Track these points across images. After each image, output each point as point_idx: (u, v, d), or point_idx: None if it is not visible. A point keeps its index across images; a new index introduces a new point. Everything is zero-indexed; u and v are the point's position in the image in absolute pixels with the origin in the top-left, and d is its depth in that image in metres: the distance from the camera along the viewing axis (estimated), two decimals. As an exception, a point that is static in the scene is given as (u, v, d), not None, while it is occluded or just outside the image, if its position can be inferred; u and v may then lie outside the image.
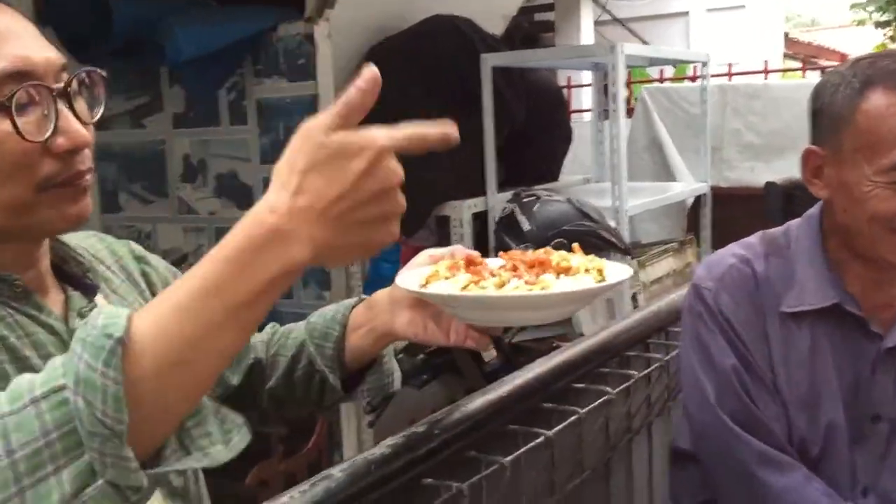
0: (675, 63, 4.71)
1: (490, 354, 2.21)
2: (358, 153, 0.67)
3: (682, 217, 4.02)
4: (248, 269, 0.66)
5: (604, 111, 3.66)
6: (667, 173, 4.01)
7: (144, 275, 1.06)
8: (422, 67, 3.01)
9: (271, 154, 3.16)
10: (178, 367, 0.65)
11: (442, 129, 0.73)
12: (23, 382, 0.65)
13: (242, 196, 3.21)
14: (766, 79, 4.61)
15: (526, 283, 0.81)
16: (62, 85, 0.84)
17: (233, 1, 3.18)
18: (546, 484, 1.29)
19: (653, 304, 1.78)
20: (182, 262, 3.43)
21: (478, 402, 1.17)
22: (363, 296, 1.09)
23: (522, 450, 1.13)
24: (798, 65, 8.91)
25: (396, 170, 0.69)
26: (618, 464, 1.56)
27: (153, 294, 1.03)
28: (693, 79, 5.04)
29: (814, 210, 1.35)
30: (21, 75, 0.81)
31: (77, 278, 0.93)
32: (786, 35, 8.91)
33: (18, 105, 0.79)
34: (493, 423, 1.16)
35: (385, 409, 2.38)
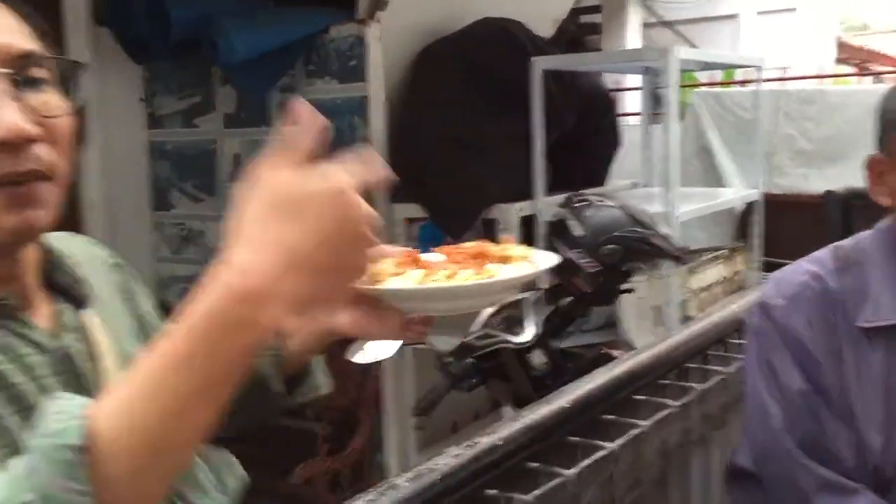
0: (727, 67, 4.64)
1: (539, 359, 2.19)
2: (319, 195, 0.62)
3: (731, 224, 3.96)
4: (221, 339, 0.59)
5: (653, 115, 3.62)
6: (716, 179, 3.96)
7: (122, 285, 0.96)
8: (472, 70, 3.01)
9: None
10: (152, 459, 0.60)
11: (378, 173, 0.67)
12: None
13: (291, 196, 3.22)
14: (820, 84, 4.53)
15: (476, 273, 0.83)
16: (9, 71, 0.73)
17: (287, 1, 3.21)
18: (605, 497, 1.27)
19: (711, 314, 1.75)
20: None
21: (540, 412, 1.15)
22: None
23: (585, 463, 1.11)
24: (851, 69, 8.74)
25: (360, 205, 0.64)
26: (675, 477, 1.53)
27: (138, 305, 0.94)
28: (742, 83, 4.97)
29: (885, 223, 1.32)
30: None
31: (66, 289, 0.84)
32: (837, 39, 8.74)
33: None
34: (555, 435, 1.15)
35: (432, 412, 2.37)
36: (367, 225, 0.65)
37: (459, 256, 0.88)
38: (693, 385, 1.44)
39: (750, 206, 3.51)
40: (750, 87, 4.22)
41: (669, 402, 1.34)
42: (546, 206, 2.92)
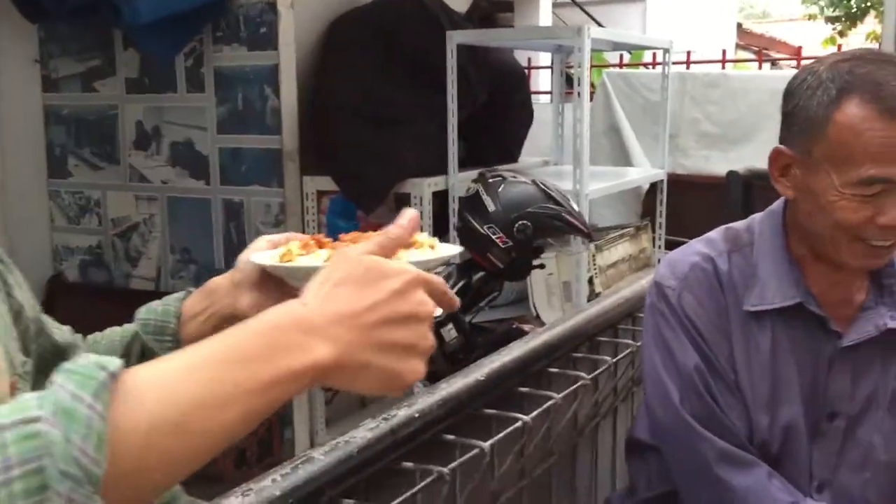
0: (638, 48, 4.72)
1: (451, 334, 2.20)
2: (393, 275, 0.70)
3: (636, 202, 4.05)
4: (272, 350, 0.64)
5: (564, 94, 3.65)
6: (624, 158, 4.03)
7: None
8: (386, 41, 2.96)
9: (228, 123, 3.09)
10: (171, 432, 0.59)
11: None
12: None
13: (198, 165, 3.11)
14: (723, 68, 4.64)
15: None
16: None
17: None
18: (517, 468, 1.28)
19: (620, 289, 1.78)
20: (133, 230, 3.34)
21: (456, 385, 1.15)
22: (190, 289, 1.05)
23: (501, 434, 1.12)
24: (750, 55, 9.05)
25: (428, 303, 0.72)
26: (584, 449, 1.56)
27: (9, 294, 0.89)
28: (648, 65, 5.07)
29: (776, 206, 1.34)
30: None
31: None
32: (739, 25, 9.03)
33: None
34: (470, 407, 1.15)
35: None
36: (425, 314, 0.71)
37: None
38: (605, 357, 1.46)
39: (655, 186, 3.60)
40: (655, 70, 4.31)
41: (583, 374, 1.36)
42: (459, 181, 2.92)
